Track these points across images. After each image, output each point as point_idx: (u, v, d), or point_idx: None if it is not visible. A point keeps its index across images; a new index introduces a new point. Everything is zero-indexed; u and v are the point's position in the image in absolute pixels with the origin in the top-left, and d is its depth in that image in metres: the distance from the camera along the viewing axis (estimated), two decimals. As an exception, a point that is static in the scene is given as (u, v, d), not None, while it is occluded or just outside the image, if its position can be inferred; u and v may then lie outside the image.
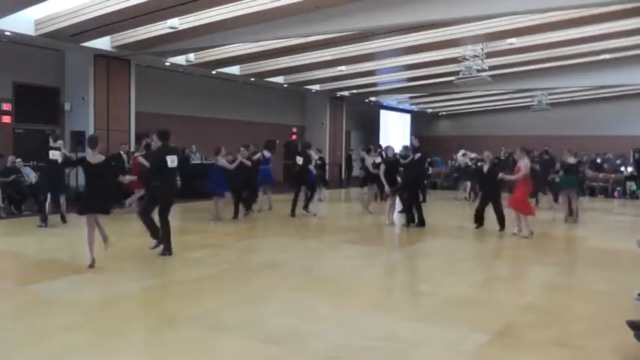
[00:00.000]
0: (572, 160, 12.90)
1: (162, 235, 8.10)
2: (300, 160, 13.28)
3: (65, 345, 4.67)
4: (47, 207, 10.89)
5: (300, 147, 14.86)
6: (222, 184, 11.91)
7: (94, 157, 7.43)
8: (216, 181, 11.90)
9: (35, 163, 13.19)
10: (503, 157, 18.65)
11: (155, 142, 8.70)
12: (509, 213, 10.85)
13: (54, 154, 10.57)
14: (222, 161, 11.95)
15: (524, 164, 10.51)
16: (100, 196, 7.42)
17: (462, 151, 19.68)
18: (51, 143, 10.87)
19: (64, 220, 11.00)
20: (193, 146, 18.10)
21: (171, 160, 8.11)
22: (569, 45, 16.36)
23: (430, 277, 7.71)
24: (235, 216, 12.33)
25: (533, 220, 10.73)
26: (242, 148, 12.71)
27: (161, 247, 8.10)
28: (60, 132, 10.91)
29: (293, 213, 12.91)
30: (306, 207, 13.18)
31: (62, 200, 11.24)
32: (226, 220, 11.94)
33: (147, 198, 8.92)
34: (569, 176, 12.91)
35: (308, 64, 17.80)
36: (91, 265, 7.16)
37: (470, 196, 17.96)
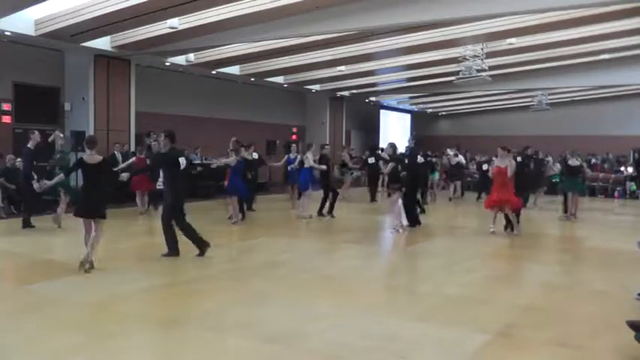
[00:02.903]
0: (573, 162, 13.13)
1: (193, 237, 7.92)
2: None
3: (65, 345, 4.67)
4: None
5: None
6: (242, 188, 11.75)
7: (91, 157, 7.27)
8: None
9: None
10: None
11: (164, 144, 8.14)
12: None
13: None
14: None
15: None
16: (93, 199, 7.22)
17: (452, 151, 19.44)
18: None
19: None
20: (199, 148, 17.99)
21: (182, 162, 7.95)
22: (569, 45, 16.34)
23: (430, 277, 7.71)
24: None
25: (535, 219, 10.73)
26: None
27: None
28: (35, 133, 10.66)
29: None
30: (321, 210, 13.02)
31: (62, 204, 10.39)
32: (226, 220, 11.91)
33: (168, 206, 7.98)
34: (572, 178, 13.21)
35: (308, 64, 17.78)
36: (84, 263, 6.95)
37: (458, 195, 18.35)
